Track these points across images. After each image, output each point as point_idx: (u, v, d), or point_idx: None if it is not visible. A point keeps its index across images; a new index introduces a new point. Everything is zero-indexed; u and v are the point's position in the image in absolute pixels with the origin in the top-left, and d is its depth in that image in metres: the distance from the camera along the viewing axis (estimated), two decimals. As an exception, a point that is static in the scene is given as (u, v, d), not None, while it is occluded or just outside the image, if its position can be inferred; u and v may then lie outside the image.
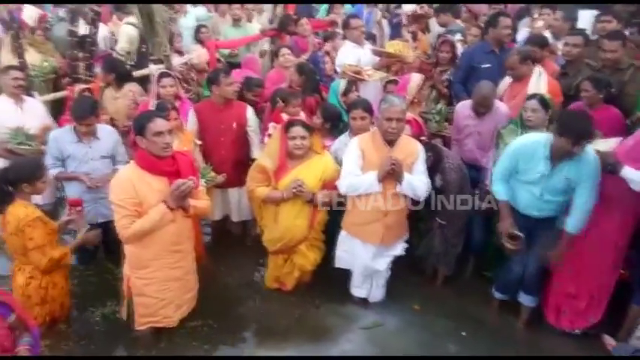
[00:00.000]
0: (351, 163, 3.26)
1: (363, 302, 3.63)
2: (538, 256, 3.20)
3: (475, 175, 3.77)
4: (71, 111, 3.62)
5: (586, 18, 4.96)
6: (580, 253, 3.11)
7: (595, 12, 4.96)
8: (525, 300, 3.40)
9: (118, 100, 4.54)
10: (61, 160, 3.62)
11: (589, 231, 3.01)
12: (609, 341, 2.67)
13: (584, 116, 2.92)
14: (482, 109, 3.77)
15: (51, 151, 3.60)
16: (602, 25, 4.51)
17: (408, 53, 4.75)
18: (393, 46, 4.77)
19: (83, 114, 3.52)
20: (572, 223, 3.00)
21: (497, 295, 3.56)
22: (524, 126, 3.46)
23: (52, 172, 3.53)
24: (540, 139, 2.99)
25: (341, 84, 4.23)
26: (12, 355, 2.16)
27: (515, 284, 3.40)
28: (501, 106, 3.85)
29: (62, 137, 3.60)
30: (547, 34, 4.98)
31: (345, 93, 4.17)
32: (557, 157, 2.92)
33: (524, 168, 3.06)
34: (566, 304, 3.29)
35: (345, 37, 5.01)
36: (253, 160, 3.86)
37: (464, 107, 3.93)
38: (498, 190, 3.22)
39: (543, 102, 3.43)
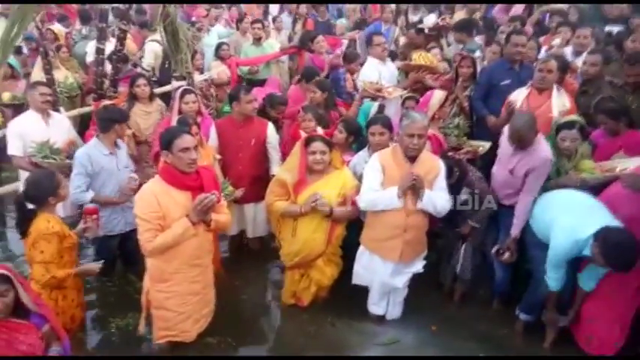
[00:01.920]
0: (372, 179, 3.26)
1: (381, 320, 3.59)
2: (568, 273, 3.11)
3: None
4: (112, 117, 3.74)
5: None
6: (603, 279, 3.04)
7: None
8: None
9: (152, 115, 4.65)
10: (90, 176, 3.63)
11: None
12: None
13: (629, 247, 2.74)
14: (516, 143, 3.34)
15: (83, 169, 3.58)
16: (635, 45, 4.46)
17: (437, 64, 4.74)
18: (422, 58, 4.74)
19: (126, 117, 3.85)
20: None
21: (523, 316, 3.46)
22: (560, 154, 3.37)
23: (87, 196, 3.55)
24: (581, 243, 2.88)
25: (373, 107, 4.25)
26: None
27: (541, 304, 3.30)
28: (540, 149, 3.29)
29: (93, 152, 3.65)
30: (568, 50, 4.94)
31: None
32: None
33: None
34: (589, 329, 3.18)
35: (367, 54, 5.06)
36: (272, 176, 3.89)
37: (504, 133, 3.51)
38: (556, 277, 3.04)
39: (582, 130, 3.34)
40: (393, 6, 7.05)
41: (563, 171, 3.36)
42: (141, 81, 4.64)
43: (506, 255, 3.43)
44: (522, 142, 3.27)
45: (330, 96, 4.48)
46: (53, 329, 2.27)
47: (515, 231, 3.40)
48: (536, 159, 3.28)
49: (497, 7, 6.74)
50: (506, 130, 3.45)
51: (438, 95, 4.06)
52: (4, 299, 2.16)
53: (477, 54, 5.22)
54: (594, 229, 2.81)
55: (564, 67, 4.20)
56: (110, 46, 5.05)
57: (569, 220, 2.96)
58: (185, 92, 4.22)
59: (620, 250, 2.73)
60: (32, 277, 3.04)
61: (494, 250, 3.50)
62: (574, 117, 3.48)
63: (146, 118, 4.61)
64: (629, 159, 3.36)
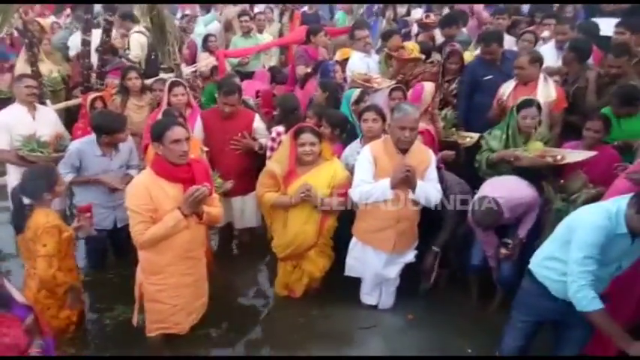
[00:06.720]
0: (364, 171, 3.27)
1: (373, 309, 3.62)
2: None
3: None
4: (101, 126, 3.65)
5: (610, 25, 4.75)
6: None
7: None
8: None
9: (144, 108, 4.61)
10: (76, 169, 3.65)
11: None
12: None
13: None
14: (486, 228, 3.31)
15: (70, 160, 3.63)
16: (615, 37, 4.43)
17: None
18: (416, 50, 4.80)
19: (119, 127, 3.67)
20: None
21: None
22: (520, 132, 3.53)
23: (67, 178, 3.56)
24: (609, 217, 2.38)
25: (354, 93, 4.24)
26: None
27: None
28: (518, 201, 3.21)
29: (85, 149, 3.64)
30: (552, 44, 4.96)
31: (357, 102, 4.15)
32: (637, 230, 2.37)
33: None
34: None
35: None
36: (259, 169, 3.86)
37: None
38: (588, 295, 2.32)
39: (539, 108, 3.57)
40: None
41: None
42: (132, 74, 4.57)
43: (507, 253, 3.32)
44: (492, 226, 3.26)
45: (332, 97, 4.37)
46: (37, 321, 2.25)
47: (522, 232, 3.33)
48: (522, 207, 3.23)
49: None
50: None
51: (429, 88, 4.07)
52: None
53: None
54: None
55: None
56: (95, 37, 4.96)
57: None
58: (173, 85, 4.16)
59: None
60: (30, 274, 3.02)
61: (502, 241, 3.38)
62: (531, 96, 3.66)
63: (139, 112, 4.58)
64: (579, 152, 3.41)
